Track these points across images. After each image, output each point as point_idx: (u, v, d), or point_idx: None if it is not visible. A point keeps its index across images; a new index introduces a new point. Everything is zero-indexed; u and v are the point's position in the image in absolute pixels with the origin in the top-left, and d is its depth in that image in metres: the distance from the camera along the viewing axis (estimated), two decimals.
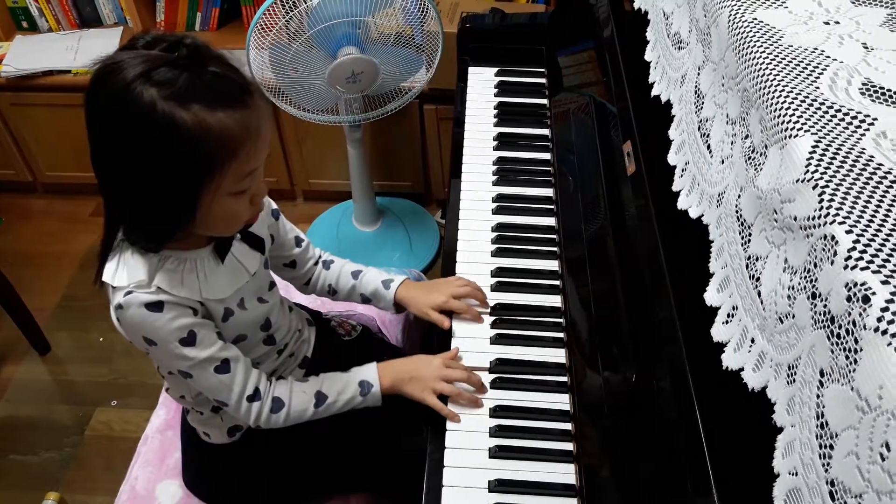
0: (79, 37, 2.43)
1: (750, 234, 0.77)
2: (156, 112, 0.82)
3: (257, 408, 1.06)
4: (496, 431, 1.09)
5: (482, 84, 1.70)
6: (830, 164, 0.67)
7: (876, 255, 0.58)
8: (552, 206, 1.41)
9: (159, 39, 0.86)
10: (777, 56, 0.79)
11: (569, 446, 1.07)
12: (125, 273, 0.94)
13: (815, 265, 0.63)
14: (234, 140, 0.86)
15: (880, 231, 0.61)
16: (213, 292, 1.00)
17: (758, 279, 0.74)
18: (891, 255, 0.58)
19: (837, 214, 0.62)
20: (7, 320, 2.13)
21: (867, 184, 0.65)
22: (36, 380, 2.16)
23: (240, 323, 1.06)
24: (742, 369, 0.74)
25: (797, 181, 0.67)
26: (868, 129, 0.70)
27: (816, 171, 0.66)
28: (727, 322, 0.80)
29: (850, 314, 0.57)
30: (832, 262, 0.61)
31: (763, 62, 0.79)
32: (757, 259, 0.75)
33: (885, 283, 0.56)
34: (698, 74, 0.99)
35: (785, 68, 0.78)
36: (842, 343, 0.58)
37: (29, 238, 2.56)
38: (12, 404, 2.09)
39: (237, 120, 0.86)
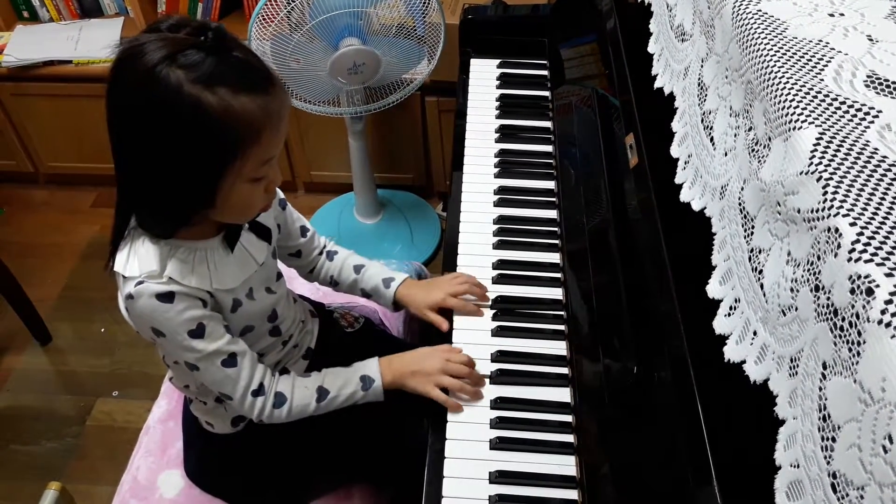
0: (80, 27, 2.43)
1: (753, 227, 0.77)
2: (182, 94, 0.82)
3: (261, 403, 1.06)
4: (497, 423, 1.09)
5: (484, 76, 1.69)
6: (834, 156, 0.67)
7: (880, 248, 0.58)
8: (554, 199, 1.41)
9: (184, 23, 0.86)
10: (781, 48, 0.79)
11: (570, 438, 1.07)
12: (136, 263, 0.94)
13: (819, 257, 0.63)
14: (257, 125, 0.87)
15: (885, 223, 0.61)
16: (223, 282, 1.00)
17: (760, 272, 0.74)
18: (895, 248, 0.58)
19: (841, 207, 0.62)
20: (9, 311, 2.13)
21: (871, 176, 0.65)
22: (37, 370, 2.16)
23: (248, 313, 1.06)
24: (744, 362, 0.74)
25: (801, 173, 0.67)
26: (873, 122, 0.70)
27: (820, 163, 0.66)
28: (729, 314, 0.80)
29: (853, 307, 0.57)
30: (835, 255, 0.60)
31: (767, 54, 0.79)
32: (760, 251, 0.75)
33: (888, 275, 0.56)
34: (702, 66, 0.99)
35: (789, 60, 0.77)
36: (845, 335, 0.58)
37: (30, 229, 2.56)
38: (14, 394, 2.10)
39: (260, 105, 0.86)
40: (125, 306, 0.96)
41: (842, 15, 0.84)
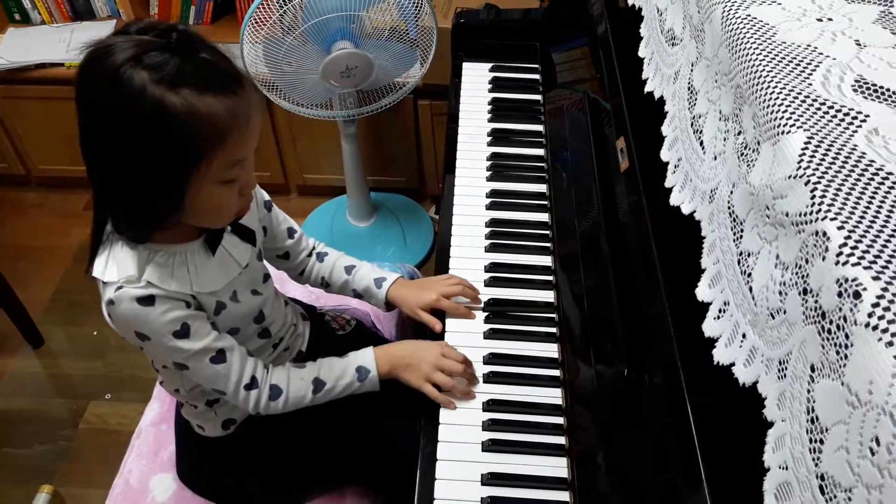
0: (71, 29, 2.42)
1: (742, 230, 0.77)
2: (145, 95, 0.82)
3: (255, 395, 1.06)
4: (489, 425, 1.09)
5: (476, 80, 1.69)
6: (822, 160, 0.67)
7: (867, 251, 0.59)
8: (546, 202, 1.41)
9: (152, 26, 0.86)
10: (770, 53, 0.80)
11: (561, 440, 1.08)
12: (115, 268, 0.94)
13: (807, 261, 0.64)
14: (223, 126, 0.86)
15: (871, 227, 0.61)
16: (205, 285, 1.00)
17: (749, 275, 0.74)
18: (882, 251, 0.59)
19: (829, 210, 0.63)
20: (0, 314, 2.12)
21: (859, 180, 0.65)
22: (29, 373, 2.15)
23: (232, 316, 1.05)
24: (733, 364, 0.75)
25: (789, 177, 0.68)
26: (860, 126, 0.70)
27: (808, 167, 0.67)
28: (719, 317, 0.80)
29: (840, 310, 0.57)
30: (823, 258, 0.61)
31: (756, 59, 0.79)
32: (749, 255, 0.75)
33: (875, 278, 0.56)
34: (691, 71, 0.99)
35: (778, 65, 0.78)
36: (832, 338, 0.58)
37: (22, 232, 2.55)
38: (6, 398, 2.09)
39: (226, 106, 0.86)
40: (107, 312, 0.96)
41: (830, 20, 0.84)
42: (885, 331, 0.53)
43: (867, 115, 0.71)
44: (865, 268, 0.58)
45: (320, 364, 1.13)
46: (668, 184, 1.00)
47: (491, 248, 1.34)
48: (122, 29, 0.88)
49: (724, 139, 0.86)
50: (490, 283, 1.28)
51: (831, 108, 0.72)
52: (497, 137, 1.55)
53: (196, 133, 0.85)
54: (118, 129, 0.85)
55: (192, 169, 0.87)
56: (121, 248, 0.95)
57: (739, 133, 0.82)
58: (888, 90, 0.74)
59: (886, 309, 0.54)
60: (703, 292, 0.84)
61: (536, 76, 1.69)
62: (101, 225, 0.96)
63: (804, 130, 0.70)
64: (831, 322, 0.59)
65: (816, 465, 0.58)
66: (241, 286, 1.07)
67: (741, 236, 0.77)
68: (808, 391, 0.61)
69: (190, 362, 1.00)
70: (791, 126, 0.71)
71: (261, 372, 1.07)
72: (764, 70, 0.78)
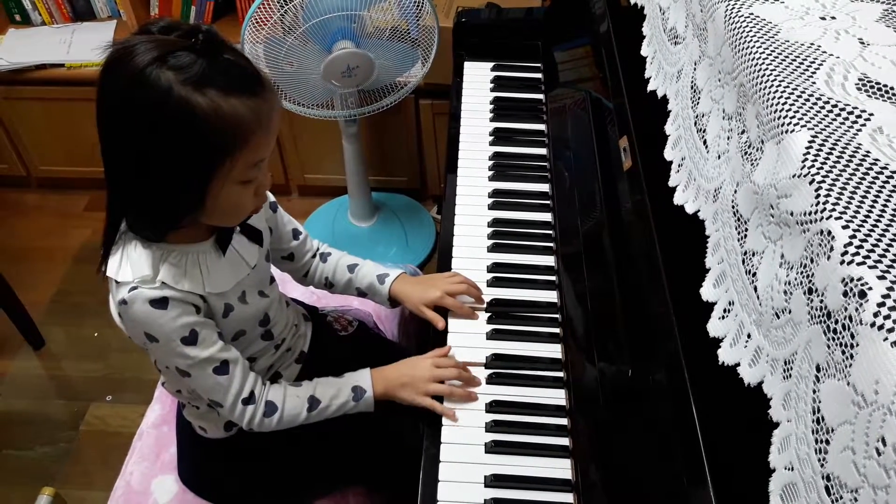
0: (72, 30, 2.42)
1: (746, 230, 0.77)
2: (172, 96, 0.82)
3: (251, 411, 1.06)
4: (492, 426, 1.09)
5: (478, 79, 1.69)
6: (827, 159, 0.67)
7: (872, 250, 0.59)
8: (548, 202, 1.41)
9: (175, 26, 0.87)
10: (773, 51, 0.79)
11: (565, 441, 1.07)
12: (129, 268, 0.94)
13: (812, 260, 0.63)
14: (247, 127, 0.87)
15: (877, 226, 0.61)
16: (216, 285, 1.00)
17: (754, 274, 0.74)
18: (887, 250, 0.59)
19: (834, 209, 0.62)
20: (1, 315, 2.12)
21: (863, 179, 0.65)
22: (30, 375, 2.15)
23: (240, 317, 1.05)
24: (738, 364, 0.74)
25: (793, 176, 0.67)
26: (864, 125, 0.70)
27: (813, 166, 0.66)
28: (723, 317, 0.80)
29: (846, 309, 0.57)
30: (828, 258, 0.61)
31: (759, 57, 0.79)
32: (753, 254, 0.75)
33: (881, 277, 0.56)
34: (694, 69, 0.99)
35: (781, 63, 0.78)
36: (838, 338, 0.58)
37: (23, 233, 2.55)
38: (6, 399, 2.09)
39: (250, 108, 0.86)
40: (118, 311, 0.96)
41: (833, 18, 0.84)
42: (890, 330, 0.53)
43: (871, 114, 0.71)
44: (871, 267, 0.57)
45: (316, 382, 1.13)
46: (671, 183, 1.00)
47: (493, 248, 1.33)
48: (143, 28, 0.88)
49: (728, 138, 0.86)
50: (492, 283, 1.28)
51: (835, 106, 0.72)
52: (499, 137, 1.55)
53: (221, 134, 0.85)
54: (143, 130, 0.85)
55: (215, 169, 0.88)
56: (135, 248, 0.95)
57: (743, 132, 0.81)
58: (892, 88, 0.74)
59: (892, 308, 0.54)
60: (707, 292, 0.84)
61: (538, 75, 1.69)
62: (115, 224, 0.96)
63: (808, 129, 0.70)
64: (837, 321, 0.58)
65: (822, 465, 0.58)
66: (250, 287, 1.07)
67: (745, 235, 0.77)
68: (814, 391, 0.61)
69: (193, 370, 1.00)
70: (795, 125, 0.70)
71: (259, 388, 1.07)
72: (767, 68, 0.77)
